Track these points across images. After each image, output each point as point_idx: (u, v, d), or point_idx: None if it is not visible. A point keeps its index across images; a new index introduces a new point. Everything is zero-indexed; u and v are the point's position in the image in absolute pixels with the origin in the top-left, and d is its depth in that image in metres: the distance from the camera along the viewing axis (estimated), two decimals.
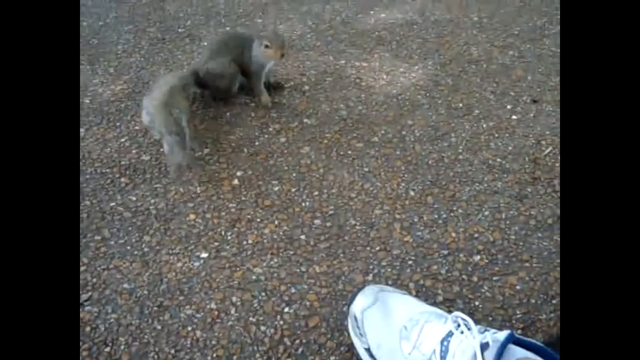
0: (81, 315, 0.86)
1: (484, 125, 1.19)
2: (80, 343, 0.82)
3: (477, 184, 1.06)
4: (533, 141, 1.15)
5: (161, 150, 1.14)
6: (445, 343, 0.67)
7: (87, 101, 1.27)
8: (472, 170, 1.09)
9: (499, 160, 1.11)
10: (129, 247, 0.96)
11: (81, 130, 1.20)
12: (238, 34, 1.36)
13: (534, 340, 0.67)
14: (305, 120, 1.22)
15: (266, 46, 1.18)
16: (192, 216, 1.01)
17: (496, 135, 1.17)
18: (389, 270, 0.91)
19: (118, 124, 1.21)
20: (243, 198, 1.04)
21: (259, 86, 1.25)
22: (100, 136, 1.18)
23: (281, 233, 0.98)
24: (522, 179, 1.07)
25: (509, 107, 1.24)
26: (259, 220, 1.00)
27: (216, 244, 0.96)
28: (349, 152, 1.14)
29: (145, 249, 0.96)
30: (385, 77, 1.34)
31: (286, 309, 0.86)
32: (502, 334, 0.64)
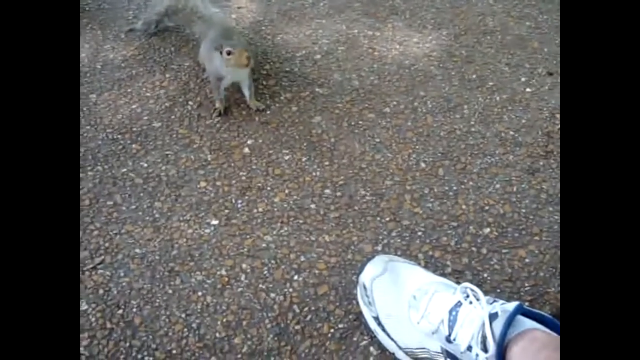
0: (94, 278, 0.87)
1: (498, 98, 1.18)
2: (94, 305, 0.84)
3: (488, 157, 1.05)
4: (547, 114, 1.14)
5: (172, 117, 1.14)
6: (453, 313, 0.68)
7: (99, 66, 1.27)
8: (484, 143, 1.08)
9: (511, 133, 1.10)
10: (140, 213, 0.97)
11: (92, 95, 1.20)
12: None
13: (542, 312, 0.67)
14: (316, 89, 1.21)
15: (228, 52, 1.06)
16: (202, 183, 1.01)
17: (510, 107, 1.16)
18: (399, 240, 0.92)
19: (129, 90, 1.21)
20: (254, 166, 1.04)
21: (216, 94, 1.15)
22: (111, 102, 1.18)
23: (291, 202, 0.98)
24: (535, 152, 1.06)
25: (523, 79, 1.23)
26: (269, 188, 1.00)
27: (227, 211, 0.97)
28: (360, 122, 1.13)
29: (157, 215, 0.96)
30: (398, 47, 1.32)
31: (295, 277, 0.87)
32: (511, 305, 0.65)
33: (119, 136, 1.11)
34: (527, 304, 0.82)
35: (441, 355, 0.70)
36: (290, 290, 0.85)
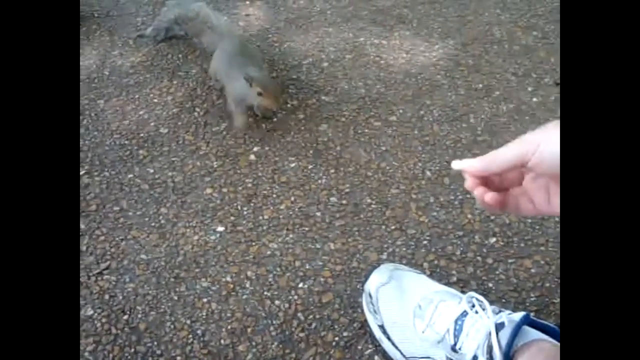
0: (100, 283, 0.88)
1: (504, 108, 1.18)
2: (99, 310, 0.84)
3: None
4: None
5: (179, 123, 1.15)
6: (459, 322, 0.68)
7: (107, 72, 1.28)
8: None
9: None
10: (146, 219, 0.97)
11: (100, 101, 1.20)
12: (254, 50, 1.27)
13: (548, 323, 0.67)
14: (323, 97, 1.21)
15: (259, 93, 1.04)
16: (208, 190, 1.02)
17: (516, 117, 1.16)
18: (404, 249, 0.91)
19: (137, 96, 1.22)
20: (259, 174, 1.05)
21: (235, 109, 1.13)
22: (119, 108, 1.19)
23: (297, 209, 0.98)
24: None
25: (530, 89, 1.23)
26: (275, 196, 1.01)
27: (232, 218, 0.97)
28: (367, 130, 1.13)
29: (162, 221, 0.97)
30: (405, 55, 1.32)
31: (300, 285, 0.87)
32: (517, 315, 0.65)
33: (126, 142, 1.11)
34: (532, 314, 0.82)
35: None
36: (295, 297, 0.85)
